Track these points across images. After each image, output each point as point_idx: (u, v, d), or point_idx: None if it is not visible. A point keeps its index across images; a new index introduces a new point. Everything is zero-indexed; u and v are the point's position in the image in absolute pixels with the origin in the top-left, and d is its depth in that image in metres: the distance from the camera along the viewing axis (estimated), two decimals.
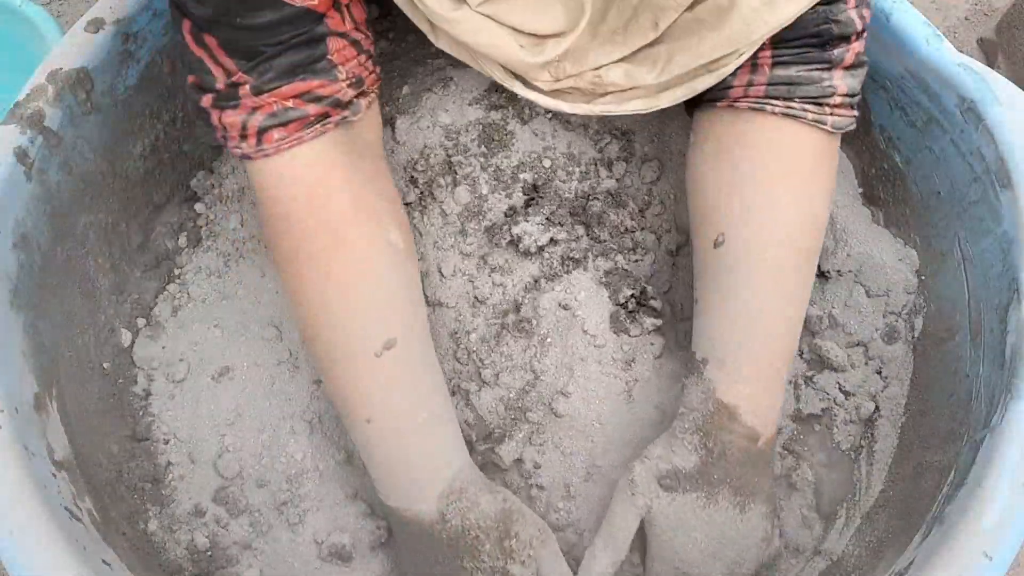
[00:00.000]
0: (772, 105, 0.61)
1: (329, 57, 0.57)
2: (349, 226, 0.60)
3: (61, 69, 0.64)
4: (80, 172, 0.67)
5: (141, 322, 0.74)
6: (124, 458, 0.68)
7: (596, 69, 0.58)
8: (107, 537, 0.59)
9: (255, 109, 0.56)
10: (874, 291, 0.74)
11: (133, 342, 0.73)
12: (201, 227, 0.78)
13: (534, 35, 0.56)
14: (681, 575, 0.62)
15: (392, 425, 0.61)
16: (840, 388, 0.72)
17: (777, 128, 0.61)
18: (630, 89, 0.59)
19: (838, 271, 0.74)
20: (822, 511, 0.71)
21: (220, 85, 0.56)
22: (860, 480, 0.71)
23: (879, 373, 0.73)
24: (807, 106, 0.60)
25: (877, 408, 0.72)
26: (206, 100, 0.57)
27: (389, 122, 0.76)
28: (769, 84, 0.60)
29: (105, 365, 0.70)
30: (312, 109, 0.57)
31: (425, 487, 0.61)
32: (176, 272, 0.76)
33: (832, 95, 0.60)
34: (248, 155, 0.58)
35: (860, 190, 0.78)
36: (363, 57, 0.60)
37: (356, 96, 0.60)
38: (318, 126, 0.58)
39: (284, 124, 0.57)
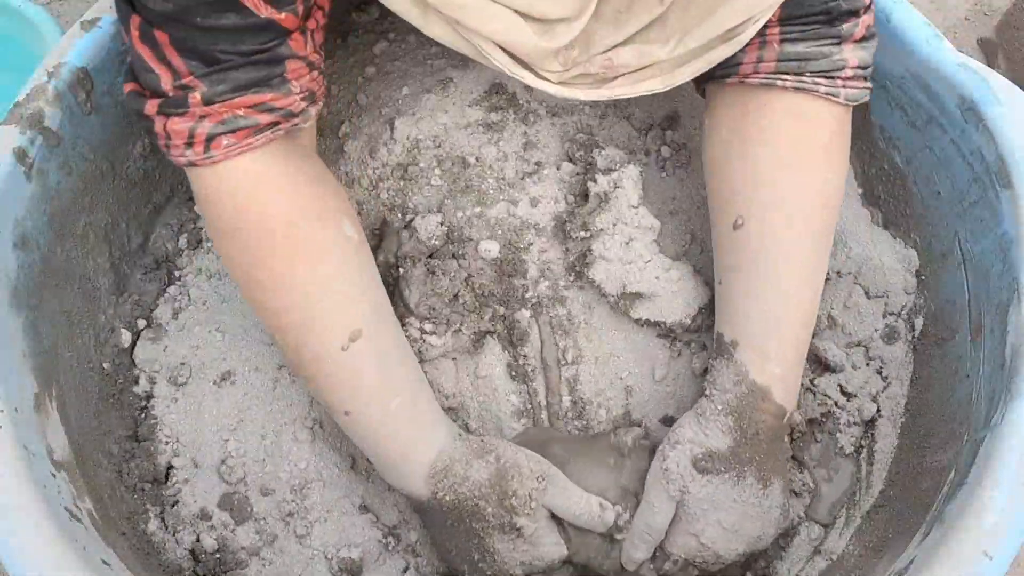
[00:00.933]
0: (783, 80, 0.60)
1: (285, 75, 0.56)
2: (302, 226, 0.60)
3: (61, 69, 0.64)
4: (80, 172, 0.67)
5: (142, 323, 0.74)
6: (124, 458, 0.68)
7: (605, 52, 0.57)
8: (107, 537, 0.58)
9: (203, 117, 0.55)
10: (873, 292, 0.74)
11: (133, 342, 0.73)
12: (201, 228, 0.78)
13: (541, 20, 0.54)
14: (704, 550, 0.63)
15: (367, 415, 0.62)
16: (841, 390, 0.72)
17: (790, 102, 0.61)
18: (644, 68, 0.58)
19: (837, 272, 0.74)
20: (822, 517, 0.71)
21: (166, 87, 0.54)
22: (860, 480, 0.71)
23: (879, 373, 0.73)
24: (819, 79, 0.60)
25: (878, 408, 0.72)
26: (150, 107, 0.55)
27: (389, 123, 0.76)
28: (779, 60, 0.60)
29: (105, 365, 0.70)
30: (264, 119, 0.56)
31: (411, 472, 0.63)
32: (176, 274, 0.76)
33: (843, 68, 0.60)
34: (194, 162, 0.57)
35: (860, 190, 0.78)
36: (315, 73, 0.59)
37: (308, 106, 0.59)
38: (268, 133, 0.57)
39: (234, 131, 0.56)
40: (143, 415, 0.71)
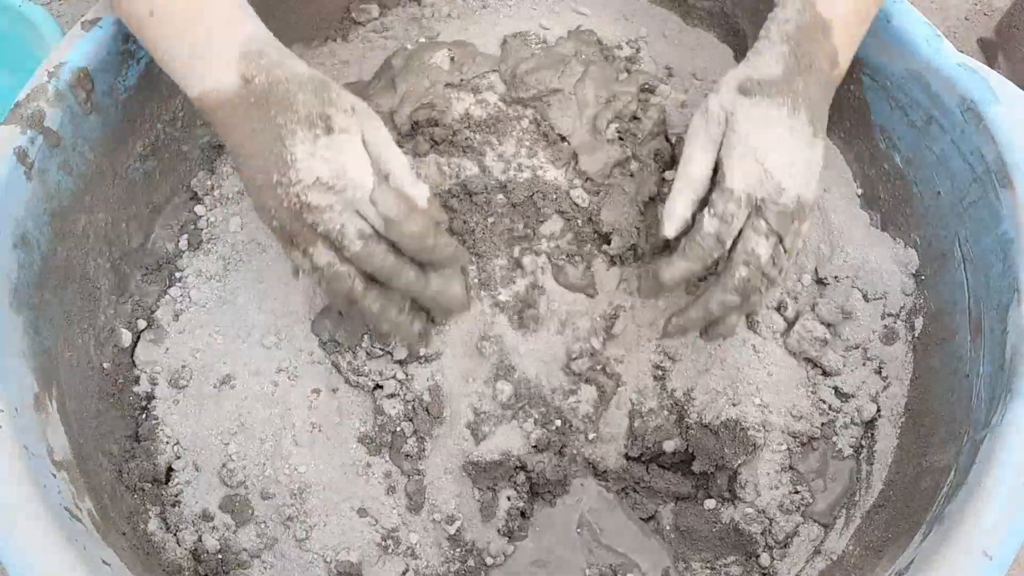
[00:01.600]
0: None
1: None
2: None
3: (61, 69, 0.64)
4: (80, 172, 0.67)
5: (142, 323, 0.74)
6: (124, 458, 0.68)
7: None
8: (107, 537, 0.58)
9: None
10: (872, 294, 0.74)
11: (133, 343, 0.73)
12: (202, 229, 0.78)
13: None
14: (768, 179, 0.59)
15: (172, 8, 0.58)
16: (838, 392, 0.72)
17: None
18: None
19: (835, 277, 0.74)
20: (822, 517, 0.71)
21: None
22: (860, 480, 0.71)
23: (879, 373, 0.73)
24: None
25: (878, 409, 0.72)
26: None
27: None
28: None
29: (105, 365, 0.70)
30: None
31: (218, 54, 0.57)
32: (177, 275, 0.76)
33: None
34: None
35: (860, 191, 0.78)
36: None
37: None
38: None
39: None
40: (143, 415, 0.71)
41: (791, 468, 0.71)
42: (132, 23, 0.61)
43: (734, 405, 0.70)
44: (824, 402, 0.72)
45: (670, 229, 0.59)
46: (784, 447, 0.71)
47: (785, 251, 0.61)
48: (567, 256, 0.73)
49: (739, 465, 0.70)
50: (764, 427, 0.70)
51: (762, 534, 0.69)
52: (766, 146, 0.59)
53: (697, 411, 0.71)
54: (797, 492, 0.70)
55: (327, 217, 0.56)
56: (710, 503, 0.71)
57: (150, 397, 0.72)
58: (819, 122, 0.61)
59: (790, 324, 0.74)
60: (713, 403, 0.70)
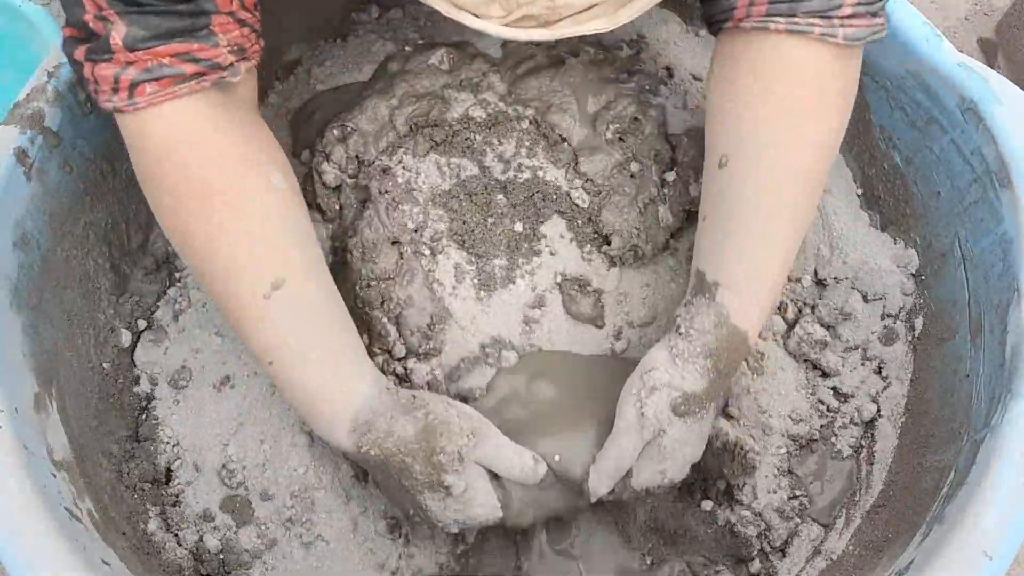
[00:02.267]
0: (775, 22, 0.59)
1: (211, 27, 0.57)
2: (227, 171, 0.60)
3: (61, 69, 0.64)
4: (80, 172, 0.67)
5: (142, 323, 0.74)
6: (124, 458, 0.68)
7: None
8: (107, 537, 0.59)
9: (128, 64, 0.55)
10: (871, 295, 0.74)
11: (133, 343, 0.73)
12: None
13: None
14: (664, 481, 0.64)
15: (289, 366, 0.62)
16: (837, 392, 0.72)
17: (781, 46, 0.60)
18: (588, 9, 0.57)
19: (835, 279, 0.74)
20: (822, 517, 0.71)
21: (87, 17, 0.54)
22: (860, 480, 0.71)
23: (879, 373, 0.73)
24: (812, 20, 0.58)
25: (878, 409, 0.72)
26: (79, 53, 0.56)
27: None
28: (771, 2, 0.59)
29: (105, 365, 0.70)
30: (189, 68, 0.56)
31: (333, 425, 0.62)
32: (177, 275, 0.76)
33: (840, 6, 0.58)
34: (119, 108, 0.57)
35: (859, 191, 0.78)
36: (246, 30, 0.59)
37: (236, 60, 0.59)
38: (193, 83, 0.57)
39: (158, 79, 0.56)
40: (143, 415, 0.71)
41: (790, 472, 0.71)
42: (263, 359, 0.63)
43: (731, 418, 0.70)
44: (823, 403, 0.72)
45: (594, 498, 0.64)
46: (783, 450, 0.71)
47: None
48: (579, 286, 0.73)
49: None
50: (764, 431, 0.70)
51: (757, 537, 0.69)
52: (678, 461, 0.63)
53: None
54: (795, 497, 0.70)
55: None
56: (707, 504, 0.70)
57: (150, 397, 0.72)
58: (721, 399, 0.67)
59: (790, 326, 0.74)
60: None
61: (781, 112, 0.61)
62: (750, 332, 0.63)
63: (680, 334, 0.63)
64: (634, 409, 0.62)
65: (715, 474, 0.69)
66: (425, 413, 0.61)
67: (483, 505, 0.62)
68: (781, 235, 0.63)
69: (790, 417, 0.71)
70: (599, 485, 0.63)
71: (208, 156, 0.59)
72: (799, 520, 0.70)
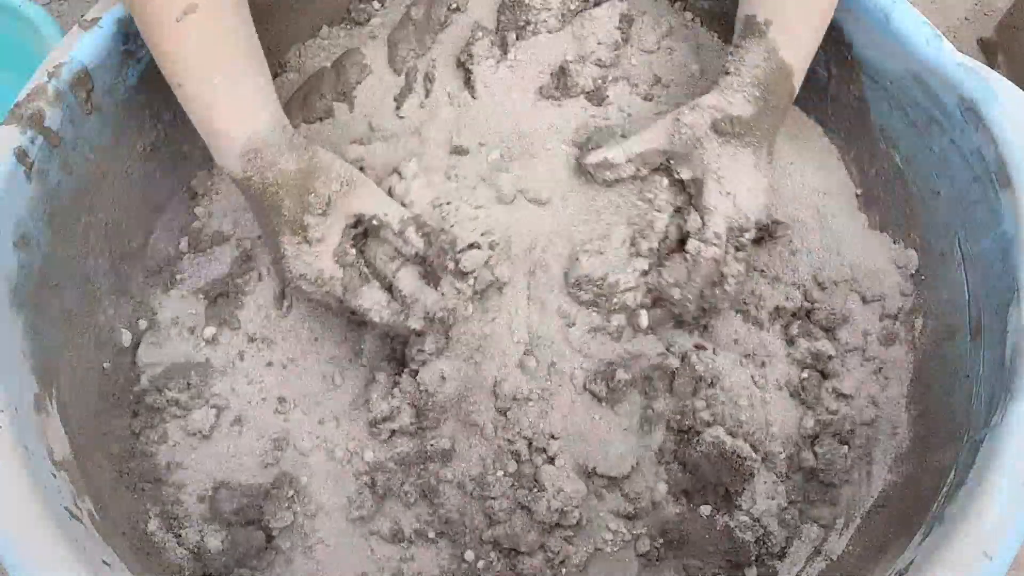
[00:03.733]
0: None
1: None
2: None
3: (61, 69, 0.64)
4: (80, 172, 0.67)
5: (142, 323, 0.74)
6: (124, 458, 0.68)
7: None
8: (107, 537, 0.59)
9: None
10: (870, 297, 0.74)
11: (133, 342, 0.73)
12: (201, 230, 0.78)
13: None
14: (737, 212, 0.67)
15: (193, 89, 0.63)
16: (838, 394, 0.72)
17: None
18: None
19: (834, 281, 0.74)
20: (822, 521, 0.70)
21: None
22: (860, 480, 0.71)
23: (879, 374, 0.73)
24: None
25: (878, 409, 0.72)
26: None
27: None
28: None
29: (105, 365, 0.70)
30: None
31: (227, 148, 0.64)
32: (178, 277, 0.76)
33: None
34: None
35: (858, 191, 0.78)
36: None
37: None
38: None
39: None
40: (144, 415, 0.71)
41: (788, 477, 0.71)
42: (172, 87, 0.64)
43: (730, 433, 0.70)
44: (823, 405, 0.72)
45: (595, 159, 0.71)
46: (783, 454, 0.71)
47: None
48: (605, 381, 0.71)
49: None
50: (764, 437, 0.70)
51: (755, 543, 0.69)
52: (742, 186, 0.67)
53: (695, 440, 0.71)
54: (794, 503, 0.70)
55: (317, 296, 0.67)
56: (705, 509, 0.70)
57: (152, 399, 0.72)
58: (771, 147, 0.69)
59: (790, 328, 0.74)
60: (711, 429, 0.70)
61: None
62: (795, 69, 0.67)
63: (728, 73, 0.68)
64: (670, 117, 0.68)
65: (713, 480, 0.69)
66: (310, 156, 0.65)
67: (330, 262, 0.65)
68: None
69: (790, 421, 0.71)
70: (607, 149, 0.70)
71: None
72: (798, 524, 0.70)
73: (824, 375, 0.73)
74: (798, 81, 0.68)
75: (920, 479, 0.65)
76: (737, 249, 0.69)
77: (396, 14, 0.85)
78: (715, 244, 0.67)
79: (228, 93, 0.64)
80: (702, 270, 0.68)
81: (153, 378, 0.72)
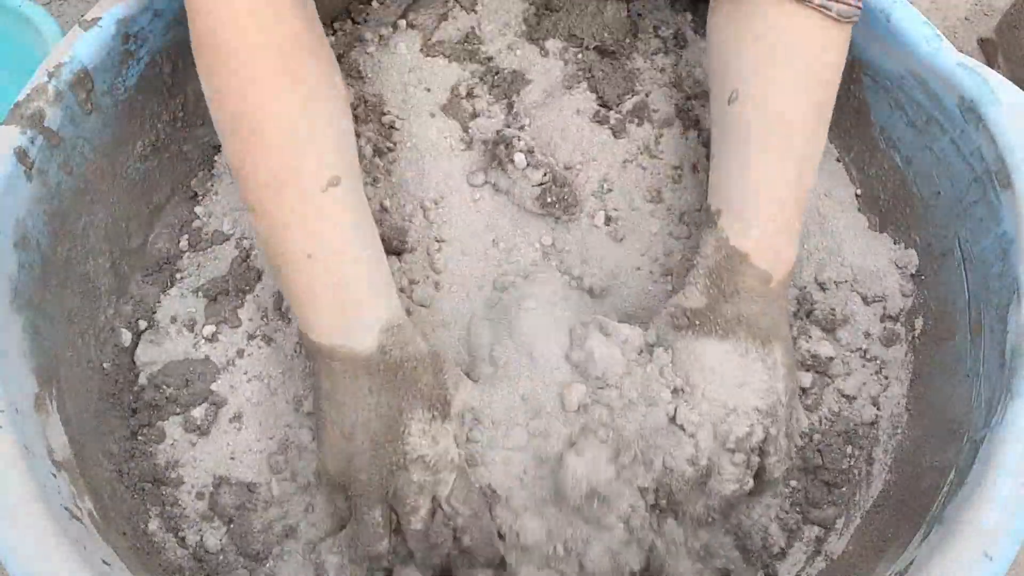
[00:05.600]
0: None
1: None
2: (299, 55, 0.59)
3: (61, 69, 0.64)
4: (80, 172, 0.67)
5: (142, 323, 0.74)
6: (124, 458, 0.68)
7: None
8: (107, 537, 0.58)
9: None
10: (871, 297, 0.74)
11: (133, 342, 0.73)
12: (201, 229, 0.78)
13: None
14: (716, 408, 0.62)
15: (336, 260, 0.61)
16: (838, 395, 0.72)
17: (783, 7, 0.63)
18: None
19: (834, 282, 0.74)
20: (822, 521, 0.70)
21: None
22: (860, 480, 0.71)
23: (879, 374, 0.73)
24: None
25: (878, 409, 0.72)
26: None
27: None
28: None
29: (105, 365, 0.70)
30: None
31: (368, 321, 0.62)
32: (178, 276, 0.76)
33: None
34: None
35: (858, 191, 0.78)
36: None
37: None
38: None
39: None
40: (143, 415, 0.71)
41: (787, 483, 0.71)
42: (278, 262, 0.61)
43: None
44: (824, 406, 0.72)
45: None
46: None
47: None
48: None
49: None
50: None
51: (758, 549, 0.69)
52: (711, 382, 0.62)
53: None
54: (795, 503, 0.70)
55: (412, 491, 0.60)
56: None
57: (150, 397, 0.72)
58: (765, 328, 0.64)
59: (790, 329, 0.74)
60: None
61: (788, 48, 0.64)
62: (752, 253, 0.64)
63: (690, 268, 0.67)
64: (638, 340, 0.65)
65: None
66: (432, 342, 0.66)
67: (456, 453, 0.61)
68: (788, 157, 0.64)
69: (789, 426, 0.71)
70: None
71: (286, 31, 0.59)
72: (799, 525, 0.70)
73: (825, 376, 0.73)
74: (766, 262, 0.64)
75: (920, 479, 0.65)
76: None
77: (395, 14, 0.85)
78: (692, 452, 0.62)
79: (374, 270, 0.63)
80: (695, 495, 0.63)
81: (152, 375, 0.72)
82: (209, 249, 0.77)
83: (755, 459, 0.63)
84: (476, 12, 0.86)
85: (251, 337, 0.73)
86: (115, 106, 0.69)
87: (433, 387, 0.61)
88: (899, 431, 0.71)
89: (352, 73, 0.82)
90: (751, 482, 0.63)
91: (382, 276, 0.64)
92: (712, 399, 0.62)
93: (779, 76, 0.64)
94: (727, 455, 0.62)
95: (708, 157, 0.74)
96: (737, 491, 0.62)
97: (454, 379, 0.64)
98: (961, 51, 0.67)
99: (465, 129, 0.80)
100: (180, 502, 0.69)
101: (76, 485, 0.59)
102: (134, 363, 0.72)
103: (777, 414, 0.63)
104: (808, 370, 0.73)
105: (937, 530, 0.55)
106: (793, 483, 0.70)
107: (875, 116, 0.74)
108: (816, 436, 0.71)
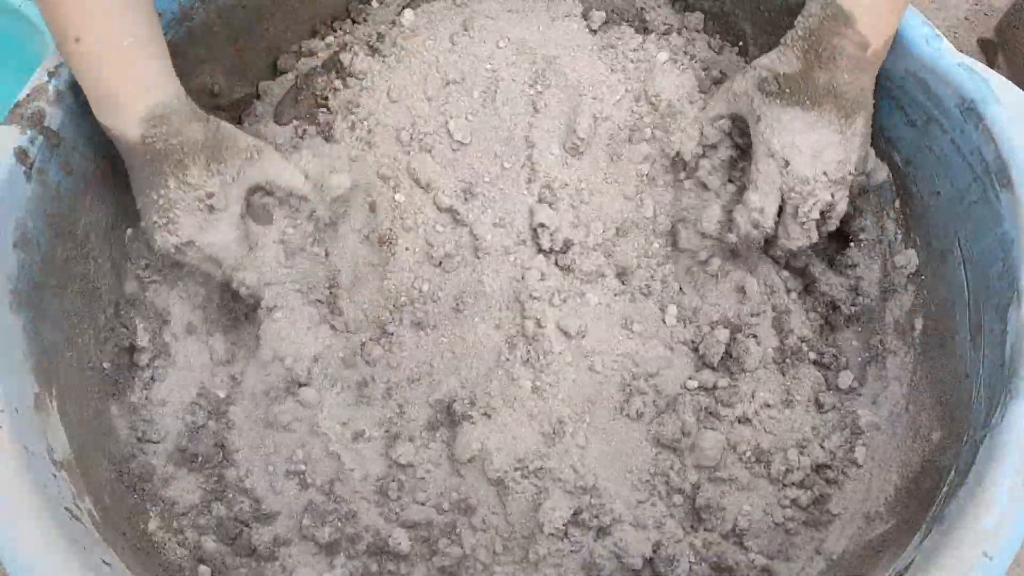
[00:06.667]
0: None
1: None
2: None
3: (61, 69, 0.64)
4: (80, 172, 0.67)
5: (142, 323, 0.74)
6: (124, 458, 0.68)
7: None
8: (107, 537, 0.58)
9: None
10: (871, 298, 0.74)
11: (133, 342, 0.73)
12: None
13: None
14: (788, 175, 0.64)
15: (97, 44, 0.61)
16: (839, 395, 0.72)
17: None
18: None
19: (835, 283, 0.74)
20: (821, 521, 0.70)
21: None
22: (860, 479, 0.71)
23: (879, 374, 0.73)
24: None
25: (878, 409, 0.72)
26: None
27: None
28: None
29: (105, 365, 0.70)
30: None
31: (126, 110, 0.63)
32: (178, 275, 0.76)
33: None
34: None
35: None
36: None
37: None
38: None
39: None
40: (143, 415, 0.71)
41: (786, 485, 0.71)
42: (58, 39, 0.62)
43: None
44: (824, 406, 0.72)
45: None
46: (784, 465, 0.71)
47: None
48: None
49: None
50: (763, 444, 0.70)
51: (757, 552, 0.69)
52: (788, 147, 0.64)
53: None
54: (795, 503, 0.70)
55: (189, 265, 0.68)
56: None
57: (150, 397, 0.72)
58: (851, 100, 0.65)
59: (788, 334, 0.74)
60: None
61: None
62: (858, 15, 0.63)
63: (793, 26, 0.66)
64: (724, 85, 0.67)
65: None
66: (217, 126, 0.66)
67: (227, 235, 0.66)
68: None
69: (790, 428, 0.71)
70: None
71: None
72: (799, 525, 0.70)
73: (825, 377, 0.73)
74: (868, 28, 0.64)
75: (920, 479, 0.65)
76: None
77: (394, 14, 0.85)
78: (756, 218, 0.66)
79: (137, 57, 0.63)
80: (747, 240, 0.68)
81: (151, 373, 0.72)
82: None
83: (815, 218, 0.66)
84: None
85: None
86: None
87: (202, 177, 0.64)
88: (899, 431, 0.71)
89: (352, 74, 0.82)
90: (816, 235, 0.67)
91: (147, 66, 0.64)
92: (790, 173, 0.64)
93: None
94: (794, 221, 0.66)
95: None
96: (803, 245, 0.67)
97: (236, 159, 0.65)
98: (961, 51, 0.67)
99: None
100: (180, 502, 0.69)
101: (76, 485, 0.59)
102: (134, 363, 0.72)
103: (845, 181, 0.65)
104: (808, 371, 0.73)
105: (937, 530, 0.55)
106: (794, 483, 0.71)
107: (875, 116, 0.74)
108: (819, 436, 0.72)
